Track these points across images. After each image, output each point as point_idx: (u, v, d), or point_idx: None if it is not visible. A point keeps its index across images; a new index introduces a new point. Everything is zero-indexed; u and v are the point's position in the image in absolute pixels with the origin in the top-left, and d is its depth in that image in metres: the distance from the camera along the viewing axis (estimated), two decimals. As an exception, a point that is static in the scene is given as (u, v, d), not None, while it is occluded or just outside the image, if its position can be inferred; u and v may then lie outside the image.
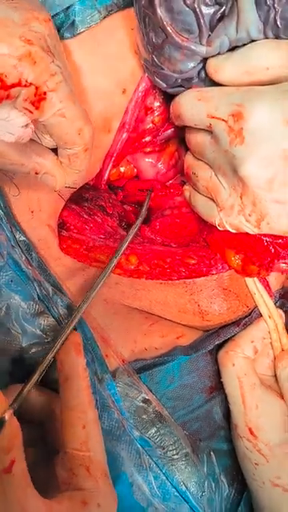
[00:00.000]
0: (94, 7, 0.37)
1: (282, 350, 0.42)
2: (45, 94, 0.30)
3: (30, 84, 0.30)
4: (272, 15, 0.31)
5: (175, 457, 0.38)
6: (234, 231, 0.37)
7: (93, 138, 0.34)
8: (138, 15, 0.36)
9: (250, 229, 0.36)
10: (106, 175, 0.46)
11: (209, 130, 0.35)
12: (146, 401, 0.39)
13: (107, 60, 0.39)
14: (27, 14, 0.30)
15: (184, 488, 0.38)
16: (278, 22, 0.32)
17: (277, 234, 0.36)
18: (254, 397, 0.40)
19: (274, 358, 0.43)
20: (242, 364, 0.41)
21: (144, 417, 0.39)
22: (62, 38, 0.37)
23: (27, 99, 0.30)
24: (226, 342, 0.43)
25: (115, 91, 0.40)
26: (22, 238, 0.40)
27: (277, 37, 0.32)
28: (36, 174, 0.35)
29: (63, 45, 0.37)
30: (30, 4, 0.32)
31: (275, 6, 0.31)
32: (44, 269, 0.40)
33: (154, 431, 0.39)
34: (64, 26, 0.37)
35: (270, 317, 0.43)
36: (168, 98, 0.41)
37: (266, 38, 0.33)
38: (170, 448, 0.38)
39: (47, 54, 0.30)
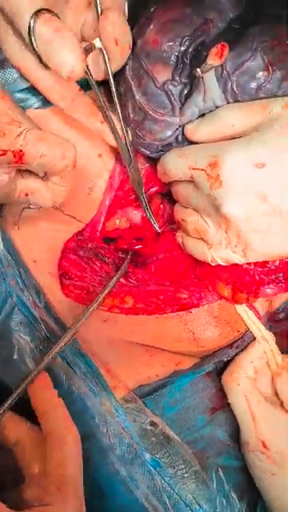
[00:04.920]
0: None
1: (278, 367, 0.46)
2: (21, 151, 0.34)
3: (5, 151, 0.33)
4: (229, 85, 0.39)
5: (186, 475, 0.40)
6: (224, 264, 0.42)
7: (75, 156, 0.37)
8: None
9: (238, 259, 0.41)
10: (99, 228, 0.51)
11: (191, 180, 0.41)
12: (153, 424, 0.41)
13: (81, 130, 0.44)
14: None
15: (197, 506, 0.39)
16: (235, 89, 0.39)
17: (262, 259, 0.41)
18: (261, 411, 0.43)
19: (272, 375, 0.46)
20: (246, 383, 0.44)
21: (153, 439, 0.41)
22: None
23: (10, 163, 0.34)
24: (224, 367, 0.47)
25: (92, 156, 0.45)
26: (31, 282, 0.44)
27: (235, 100, 0.40)
28: (26, 195, 0.38)
29: (38, 113, 0.42)
30: None
31: (230, 77, 0.38)
32: (49, 309, 0.44)
33: (163, 452, 0.40)
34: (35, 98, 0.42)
35: (263, 338, 0.47)
36: (151, 160, 0.47)
37: (228, 103, 0.40)
38: (180, 467, 0.40)
39: (11, 124, 0.35)
